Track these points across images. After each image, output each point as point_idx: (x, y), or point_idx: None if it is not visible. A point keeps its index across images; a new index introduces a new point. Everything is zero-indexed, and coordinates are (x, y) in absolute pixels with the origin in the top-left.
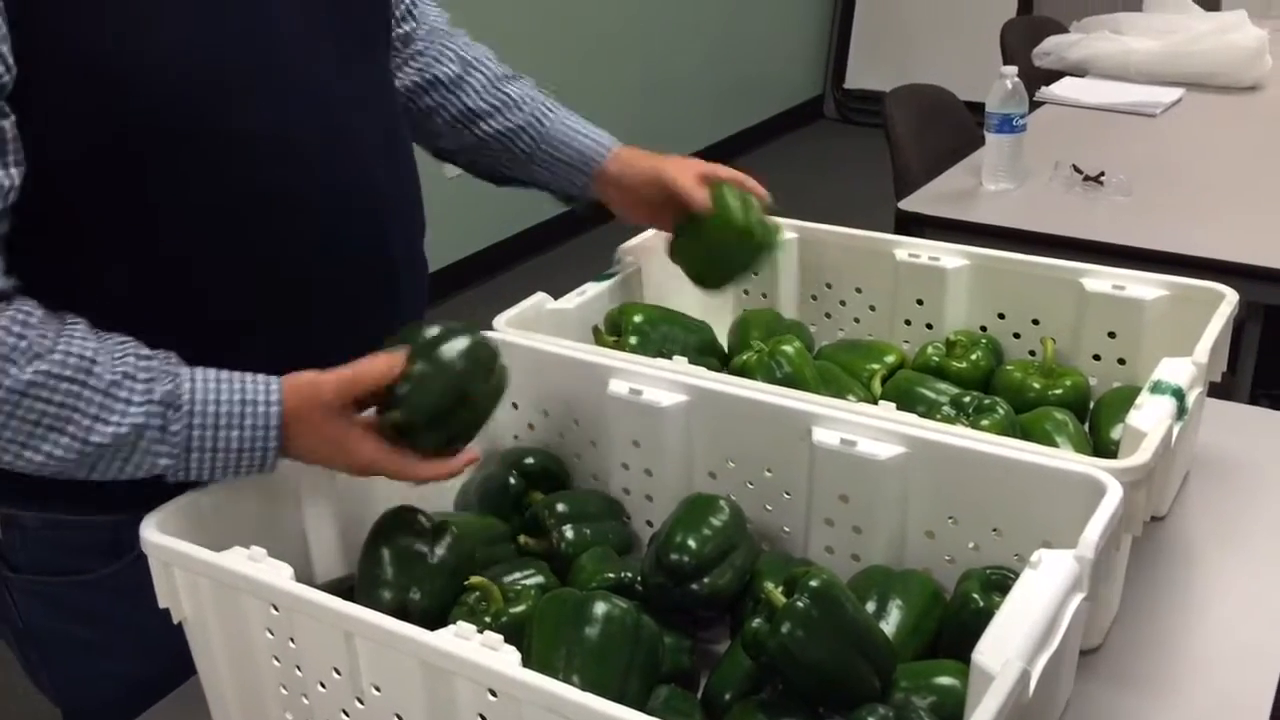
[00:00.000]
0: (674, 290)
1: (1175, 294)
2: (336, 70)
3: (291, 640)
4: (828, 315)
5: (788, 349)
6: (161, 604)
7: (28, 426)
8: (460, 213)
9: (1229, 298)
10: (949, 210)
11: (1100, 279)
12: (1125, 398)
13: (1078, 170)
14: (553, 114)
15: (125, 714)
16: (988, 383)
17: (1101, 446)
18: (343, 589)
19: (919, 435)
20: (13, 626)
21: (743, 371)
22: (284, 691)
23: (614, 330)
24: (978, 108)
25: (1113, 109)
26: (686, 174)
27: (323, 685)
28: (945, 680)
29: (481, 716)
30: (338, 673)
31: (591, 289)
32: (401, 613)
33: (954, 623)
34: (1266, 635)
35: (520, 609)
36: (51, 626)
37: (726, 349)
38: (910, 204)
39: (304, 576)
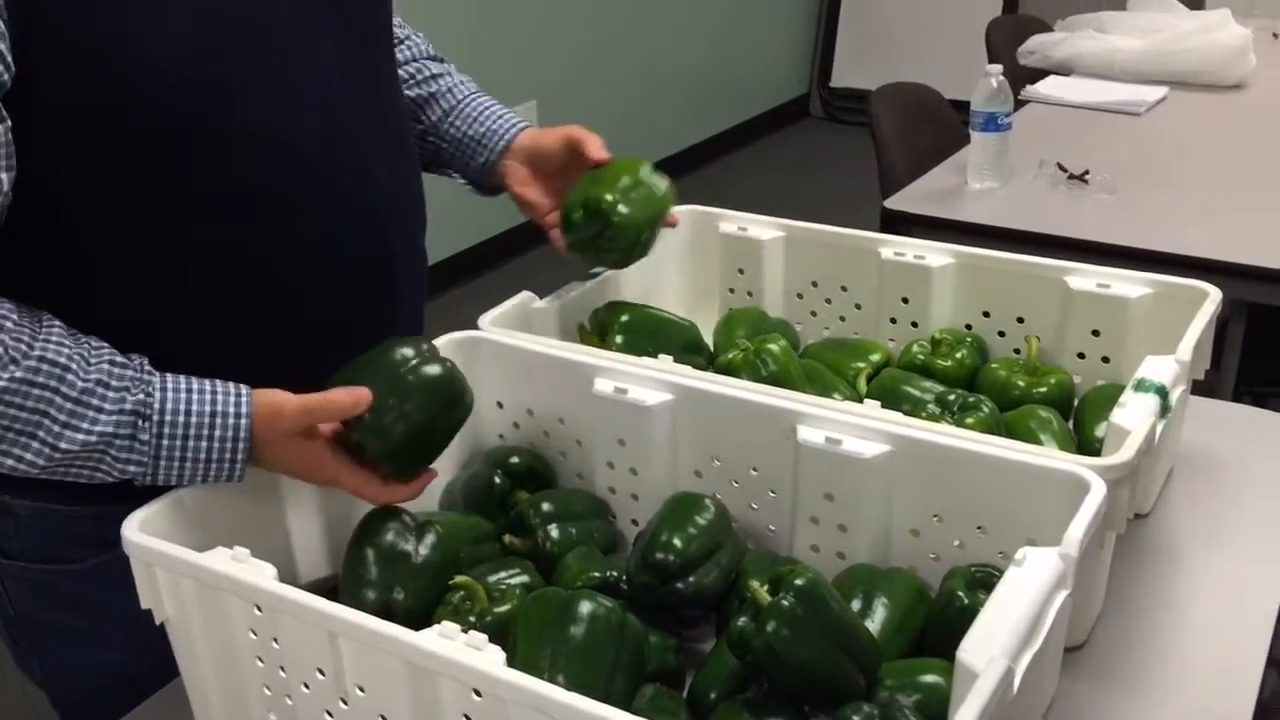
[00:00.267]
0: (659, 289)
1: (1159, 292)
2: (337, 69)
3: (275, 641)
4: (813, 314)
5: (773, 348)
6: (144, 605)
7: None
8: (445, 211)
9: (1212, 296)
10: (934, 209)
11: (1084, 277)
12: (1109, 396)
13: (1062, 169)
14: (470, 95)
15: (114, 705)
16: (973, 381)
17: (1086, 444)
18: (327, 589)
19: (904, 433)
20: (3, 613)
21: (728, 370)
22: (268, 692)
23: (599, 329)
24: (963, 106)
25: (1097, 108)
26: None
27: (306, 686)
28: (930, 678)
29: (466, 717)
30: (322, 673)
31: (577, 288)
32: (386, 613)
33: (939, 621)
34: (1250, 631)
35: (505, 608)
36: (41, 615)
37: (712, 348)
38: (895, 202)
39: (288, 577)
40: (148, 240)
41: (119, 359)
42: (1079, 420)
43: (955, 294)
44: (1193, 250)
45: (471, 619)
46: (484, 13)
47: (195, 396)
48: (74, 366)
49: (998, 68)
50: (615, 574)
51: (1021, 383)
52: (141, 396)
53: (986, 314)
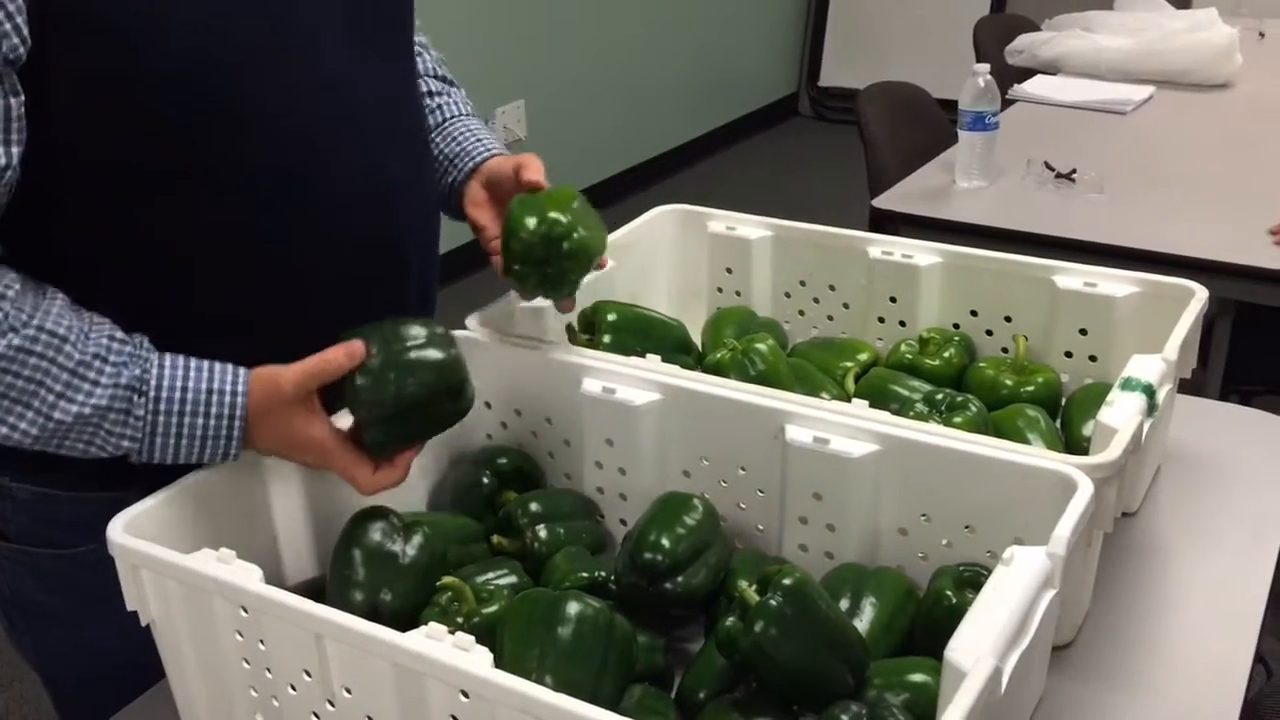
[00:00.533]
0: (647, 289)
1: (1146, 291)
2: (352, 60)
3: (261, 642)
4: (801, 313)
5: (761, 347)
6: (130, 606)
7: None
8: None
9: (1199, 294)
10: (922, 208)
11: (1072, 276)
12: (1096, 394)
13: (1050, 168)
14: (457, 117)
15: (105, 689)
16: (960, 380)
17: (1073, 443)
18: (314, 591)
19: (892, 433)
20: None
21: (716, 370)
22: (254, 694)
23: (587, 329)
24: (951, 105)
25: (1085, 107)
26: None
27: (293, 688)
28: (918, 677)
29: (454, 718)
30: (308, 675)
31: None
32: (373, 614)
33: (927, 620)
34: (1237, 629)
35: (493, 609)
36: (35, 597)
37: (700, 347)
38: (884, 201)
39: (274, 578)
40: (153, 222)
41: (119, 335)
42: (1066, 419)
43: (943, 293)
44: (1179, 249)
45: (459, 620)
46: (472, 12)
47: (193, 374)
48: (72, 338)
49: (985, 67)
50: (603, 574)
51: (1009, 382)
52: (138, 372)
53: (974, 313)
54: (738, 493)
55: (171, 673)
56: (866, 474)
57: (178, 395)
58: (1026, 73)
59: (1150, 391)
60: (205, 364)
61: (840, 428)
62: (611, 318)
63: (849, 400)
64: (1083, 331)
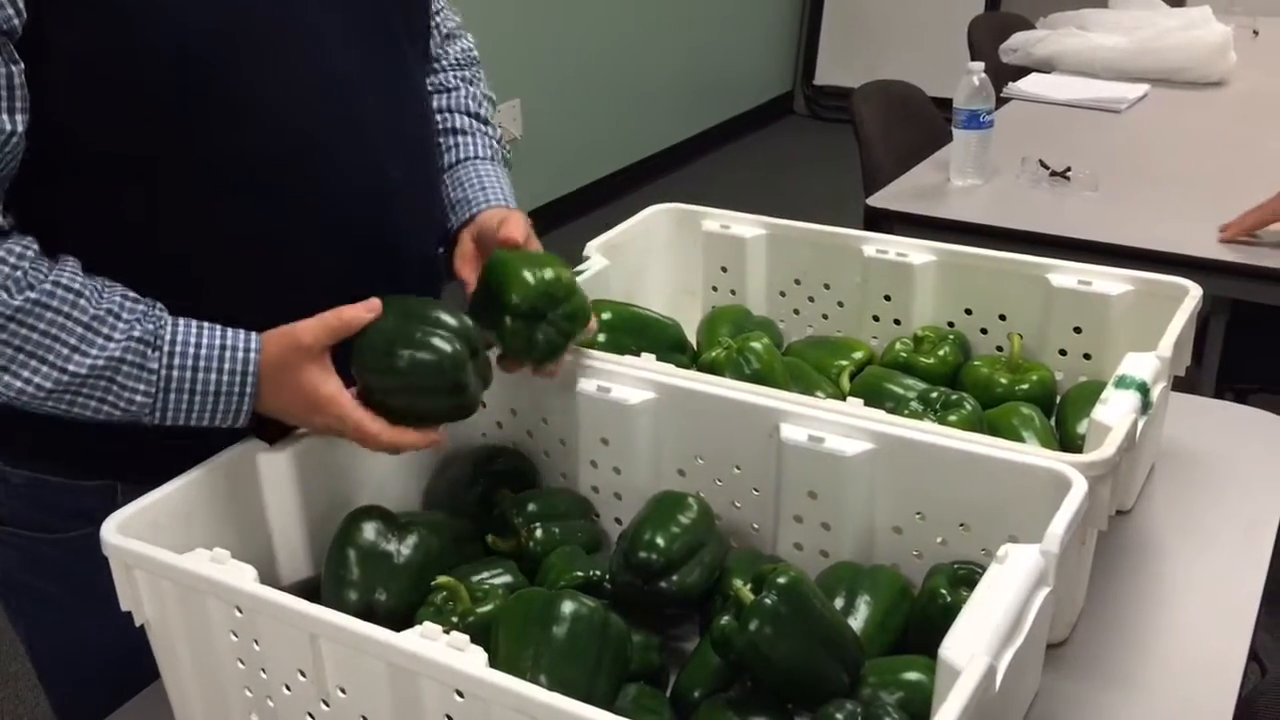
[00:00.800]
0: (642, 288)
1: (1140, 289)
2: (350, 55)
3: (256, 643)
4: (796, 312)
5: (756, 346)
6: (124, 607)
7: (9, 351)
8: None
9: (1193, 292)
10: (917, 206)
11: (1066, 274)
12: (1091, 392)
13: (1044, 166)
14: (470, 160)
15: (93, 676)
16: (955, 378)
17: (1068, 441)
18: (309, 590)
19: (886, 431)
20: None
21: (711, 368)
22: (249, 694)
23: None
24: (945, 104)
25: (1079, 105)
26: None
27: (288, 688)
28: (913, 675)
29: (449, 717)
30: (303, 675)
31: None
32: (368, 614)
33: (922, 618)
34: (1231, 626)
35: (488, 609)
36: (27, 580)
37: (695, 346)
38: (878, 200)
39: (269, 578)
40: (150, 208)
41: (132, 294)
42: (1061, 417)
43: (938, 291)
44: (1174, 247)
45: (454, 619)
46: (468, 11)
47: (206, 331)
48: (87, 293)
49: (980, 65)
50: (598, 573)
51: (1004, 380)
52: (152, 326)
53: (969, 311)
54: (733, 491)
55: (166, 673)
56: (861, 472)
57: (191, 350)
58: (1021, 71)
59: (1144, 389)
60: (218, 326)
61: (835, 426)
62: (606, 316)
63: (844, 399)
64: (1077, 329)
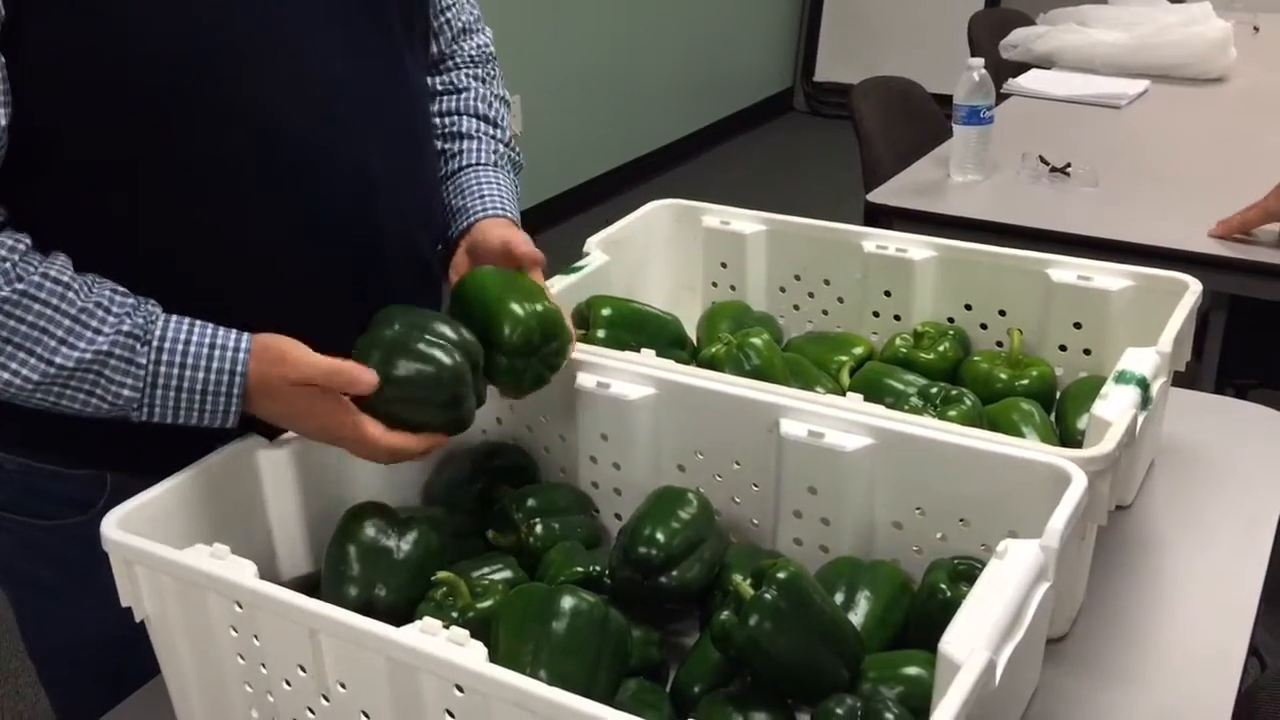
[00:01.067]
0: (642, 284)
1: (1140, 284)
2: (340, 51)
3: (256, 638)
4: (796, 307)
5: (756, 341)
6: (124, 602)
7: None
8: None
9: (1193, 288)
10: (917, 202)
11: (1066, 270)
12: (1091, 388)
13: (1044, 162)
14: (472, 166)
15: (85, 664)
16: (955, 374)
17: (1067, 436)
18: (309, 586)
19: (886, 426)
20: None
21: (711, 364)
22: (249, 689)
23: (582, 323)
24: (945, 100)
25: (1079, 101)
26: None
27: (288, 683)
28: (913, 670)
29: (449, 712)
30: (303, 670)
31: (559, 282)
32: (368, 609)
33: (921, 613)
34: (1231, 621)
35: (488, 604)
36: (22, 566)
37: (695, 342)
38: (878, 196)
39: (269, 574)
40: (132, 207)
41: (121, 289)
42: (1061, 412)
43: (937, 287)
44: (1174, 243)
45: (454, 615)
46: None
47: (196, 329)
48: (76, 286)
49: (980, 61)
50: (599, 569)
51: (1004, 375)
52: (141, 321)
53: (969, 307)
54: (732, 487)
55: (166, 669)
56: (861, 468)
57: (180, 347)
58: (1021, 67)
59: (1144, 385)
60: (209, 324)
61: (835, 421)
62: (606, 312)
63: (844, 394)
64: (1077, 325)
